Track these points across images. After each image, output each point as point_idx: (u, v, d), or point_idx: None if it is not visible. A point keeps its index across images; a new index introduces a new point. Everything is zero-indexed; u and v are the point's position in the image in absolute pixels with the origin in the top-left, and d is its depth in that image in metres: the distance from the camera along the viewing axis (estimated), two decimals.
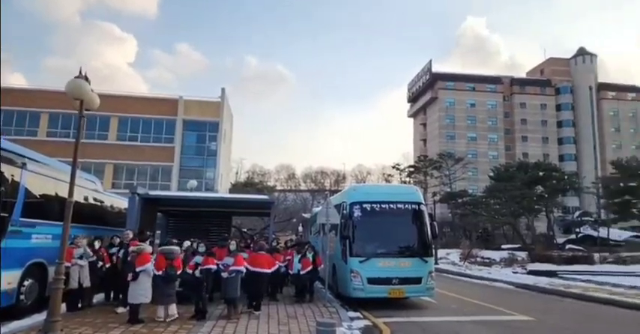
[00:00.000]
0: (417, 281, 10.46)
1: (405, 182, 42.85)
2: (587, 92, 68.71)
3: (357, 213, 10.85)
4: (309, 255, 10.74)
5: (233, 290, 8.48)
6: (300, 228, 22.28)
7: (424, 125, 73.44)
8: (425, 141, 71.78)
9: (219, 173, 32.09)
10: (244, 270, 8.84)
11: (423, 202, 11.53)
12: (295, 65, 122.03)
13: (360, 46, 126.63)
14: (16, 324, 7.27)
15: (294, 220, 27.99)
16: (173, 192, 14.60)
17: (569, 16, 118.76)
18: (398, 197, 11.26)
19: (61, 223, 9.45)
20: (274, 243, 12.40)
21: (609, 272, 19.65)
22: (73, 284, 8.38)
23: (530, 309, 10.53)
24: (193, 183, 20.02)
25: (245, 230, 18.24)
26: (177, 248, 8.76)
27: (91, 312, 8.26)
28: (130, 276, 7.72)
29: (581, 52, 70.48)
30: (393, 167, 45.88)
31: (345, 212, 10.87)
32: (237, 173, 48.36)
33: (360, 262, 10.32)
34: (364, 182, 78.55)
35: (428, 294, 10.78)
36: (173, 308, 8.13)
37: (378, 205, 10.95)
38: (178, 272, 8.19)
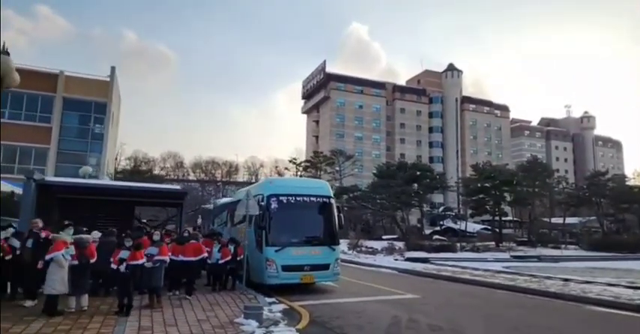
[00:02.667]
0: (326, 267, 11.56)
1: (300, 175, 44.47)
2: (454, 103, 79.19)
3: (273, 204, 11.48)
4: (231, 246, 11.09)
5: (157, 280, 8.52)
6: (200, 220, 21.95)
7: (317, 122, 76.61)
8: (317, 137, 74.97)
9: (107, 159, 29.46)
10: (168, 260, 8.90)
11: (332, 196, 12.70)
12: (182, 49, 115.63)
13: (255, 39, 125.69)
14: None
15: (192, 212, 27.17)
16: (75, 179, 13.32)
17: (443, 33, 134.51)
18: (311, 190, 12.24)
19: None
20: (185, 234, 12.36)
21: (468, 259, 23.73)
22: None
23: (416, 289, 12.45)
24: (87, 169, 18.12)
25: (144, 220, 17.44)
26: (88, 236, 8.45)
27: None
28: (40, 264, 7.30)
29: (451, 68, 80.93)
30: (290, 161, 47.25)
31: (262, 204, 11.42)
32: (116, 159, 44.38)
33: (276, 251, 11.02)
34: (257, 174, 78.84)
35: (334, 279, 11.97)
36: (85, 299, 7.88)
37: (293, 197, 11.78)
38: (91, 261, 7.94)
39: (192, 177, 73.50)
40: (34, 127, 26.45)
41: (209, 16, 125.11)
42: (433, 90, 79.00)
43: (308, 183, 14.30)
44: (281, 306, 9.31)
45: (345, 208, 39.96)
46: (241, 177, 76.87)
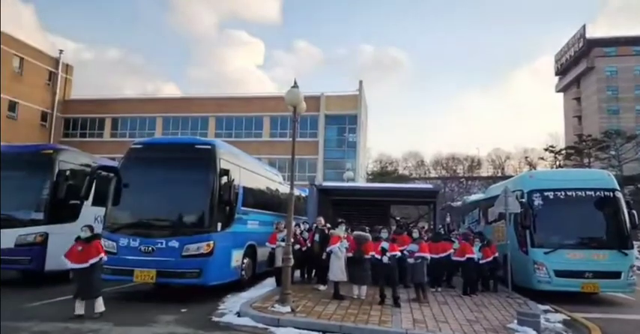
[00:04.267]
0: (616, 275, 9.61)
1: (561, 166, 38.36)
2: None
3: (537, 201, 10.41)
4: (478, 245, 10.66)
5: (421, 276, 8.93)
6: (448, 219, 21.83)
7: (578, 100, 64.45)
8: (579, 118, 63.06)
9: (359, 163, 33.23)
10: (429, 257, 9.21)
11: (618, 188, 10.43)
12: (409, 49, 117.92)
13: (479, 23, 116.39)
14: (246, 295, 8.82)
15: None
16: (343, 183, 15.80)
17: None
18: (585, 183, 10.44)
19: (264, 211, 11.14)
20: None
21: None
22: (278, 263, 9.78)
23: None
24: (350, 173, 21.18)
25: (398, 218, 18.71)
26: (367, 235, 9.54)
27: (296, 288, 9.48)
28: (324, 255, 8.71)
29: None
30: (546, 149, 41.16)
31: (522, 200, 10.43)
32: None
33: (545, 253, 9.86)
34: (503, 168, 72.57)
35: (628, 290, 9.78)
36: (364, 290, 8.90)
37: (562, 192, 10.34)
38: (367, 256, 8.91)
39: (433, 174, 73.88)
40: (306, 142, 32.32)
41: (421, 7, 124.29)
42: None
43: (580, 174, 12.19)
44: (559, 316, 8.22)
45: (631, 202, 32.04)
46: (485, 171, 72.23)
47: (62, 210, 9.83)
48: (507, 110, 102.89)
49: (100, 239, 7.24)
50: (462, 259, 10.16)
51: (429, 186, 14.50)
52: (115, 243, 8.15)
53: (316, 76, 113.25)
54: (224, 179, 8.45)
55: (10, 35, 31.67)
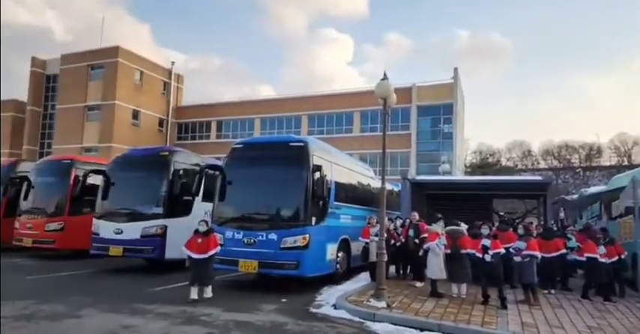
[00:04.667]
0: None
1: None
2: None
3: None
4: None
5: (530, 275, 8.19)
6: (562, 214, 19.70)
7: None
8: None
9: (456, 155, 31.60)
10: (539, 256, 8.42)
11: None
12: (511, 33, 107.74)
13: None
14: (342, 288, 8.96)
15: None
16: (437, 176, 15.23)
17: None
18: None
19: (356, 206, 11.20)
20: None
21: None
22: (372, 258, 9.74)
23: None
24: (446, 166, 20.32)
25: (502, 213, 17.39)
26: (460, 228, 9.07)
27: (391, 284, 9.36)
28: (420, 252, 8.41)
29: None
30: None
31: None
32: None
33: None
34: (629, 156, 63.27)
35: None
36: (464, 288, 8.44)
37: None
38: (463, 251, 8.44)
39: (542, 165, 67.07)
40: (398, 136, 31.67)
41: None
42: None
43: None
44: None
45: None
46: (607, 160, 63.48)
47: (178, 206, 10.97)
48: (632, 90, 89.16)
49: (214, 233, 7.97)
50: (582, 258, 9.08)
51: (538, 177, 13.23)
52: (222, 236, 8.85)
53: (407, 67, 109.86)
54: (317, 174, 8.67)
55: (132, 51, 36.26)
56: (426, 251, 8.62)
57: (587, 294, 8.76)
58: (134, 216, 10.81)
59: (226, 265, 8.73)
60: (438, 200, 14.33)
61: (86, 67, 35.99)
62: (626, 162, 58.95)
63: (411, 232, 9.80)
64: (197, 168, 10.96)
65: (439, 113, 31.96)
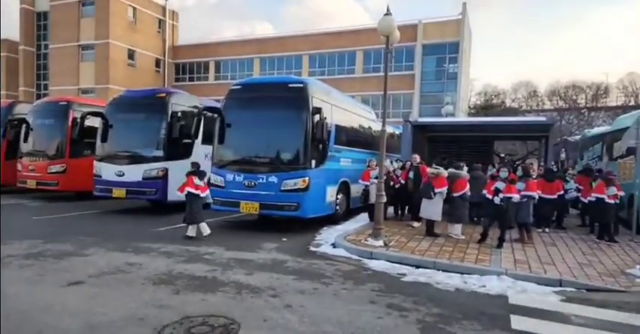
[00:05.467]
0: None
1: None
2: None
3: None
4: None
5: (526, 215, 8.35)
6: (563, 155, 19.67)
7: None
8: None
9: (461, 97, 30.90)
10: (537, 196, 8.50)
11: None
12: None
13: None
14: (341, 228, 9.20)
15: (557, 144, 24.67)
16: (440, 118, 14.98)
17: None
18: None
19: (357, 149, 11.15)
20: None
21: None
22: (372, 199, 9.88)
23: None
24: (449, 108, 19.91)
25: (502, 155, 17.38)
26: (460, 171, 9.05)
27: (389, 224, 9.59)
28: (432, 195, 8.40)
29: None
30: None
31: None
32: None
33: None
34: (637, 96, 61.86)
35: None
36: (458, 228, 8.60)
37: None
38: (456, 194, 8.45)
39: (547, 106, 65.78)
40: (401, 76, 30.71)
41: None
42: None
43: None
44: None
45: None
46: (614, 100, 62.14)
47: (178, 148, 10.94)
48: None
49: (194, 175, 8.09)
50: (585, 200, 9.07)
51: (541, 118, 12.98)
52: (222, 178, 8.94)
53: (414, 2, 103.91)
54: (316, 117, 8.51)
55: None
56: (435, 194, 8.53)
57: (603, 235, 8.63)
58: (135, 159, 10.85)
59: (228, 207, 8.89)
60: (440, 142, 14.24)
61: (77, 2, 34.15)
62: (632, 103, 57.66)
63: (410, 174, 9.83)
64: (195, 111, 10.78)
65: (445, 52, 30.66)
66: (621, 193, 9.19)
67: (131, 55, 35.07)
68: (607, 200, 8.49)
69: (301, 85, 8.73)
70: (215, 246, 7.33)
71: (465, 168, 9.05)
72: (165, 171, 10.65)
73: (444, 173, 8.45)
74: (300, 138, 8.49)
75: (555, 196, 9.64)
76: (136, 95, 12.11)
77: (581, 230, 9.99)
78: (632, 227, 8.88)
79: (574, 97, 65.86)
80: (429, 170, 8.62)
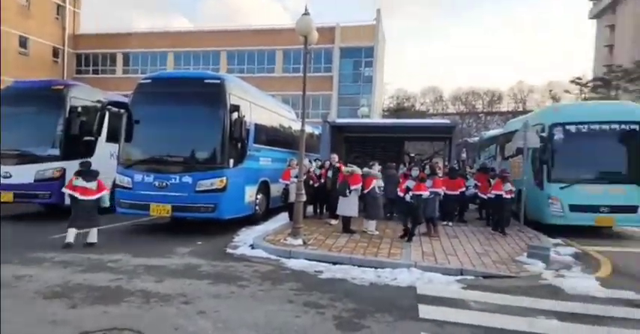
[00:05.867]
0: (632, 210, 9.54)
1: (586, 99, 36.62)
2: None
3: (558, 135, 10.05)
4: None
5: (432, 210, 8.95)
6: (464, 155, 21.51)
7: (611, 27, 59.85)
8: (611, 47, 59.00)
9: (375, 99, 32.36)
10: (442, 193, 9.17)
11: None
12: None
13: None
14: (260, 228, 9.08)
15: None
16: (356, 120, 15.49)
17: None
18: (612, 116, 9.99)
19: (277, 148, 11.09)
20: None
21: None
22: (292, 198, 9.91)
23: None
24: (365, 109, 20.74)
25: (412, 154, 18.53)
26: (372, 171, 9.45)
27: (309, 223, 9.68)
28: (347, 193, 8.64)
29: None
30: (572, 81, 39.05)
31: (543, 134, 10.06)
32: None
33: (561, 188, 9.76)
34: (524, 102, 69.97)
35: None
36: (372, 224, 8.97)
37: (586, 126, 9.95)
38: (366, 190, 8.81)
39: (451, 110, 71.93)
40: (321, 78, 31.32)
41: None
42: None
43: (608, 107, 11.54)
44: (570, 249, 8.27)
45: None
46: (505, 106, 69.90)
47: (78, 146, 9.93)
48: (534, 40, 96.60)
49: (77, 176, 7.44)
50: (489, 196, 9.93)
51: (446, 121, 14.08)
52: (130, 179, 8.31)
53: (332, 5, 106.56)
54: (234, 115, 8.30)
55: None
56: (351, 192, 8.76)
57: (498, 227, 9.46)
58: (25, 158, 9.64)
59: (136, 210, 8.30)
60: (355, 143, 14.74)
61: None
62: (521, 108, 64.95)
63: (329, 174, 10.02)
64: (99, 105, 9.90)
65: (361, 55, 31.93)
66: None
67: (23, 42, 31.17)
68: (505, 196, 9.43)
69: (218, 81, 8.44)
70: (121, 252, 6.78)
71: (378, 167, 9.46)
72: (63, 171, 9.61)
73: (358, 171, 8.76)
74: (216, 137, 8.19)
75: (458, 192, 10.53)
76: (28, 86, 10.76)
77: (480, 223, 11.01)
78: (521, 219, 9.97)
79: (473, 103, 72.77)
80: (344, 169, 8.86)
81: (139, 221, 9.60)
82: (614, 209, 9.48)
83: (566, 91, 43.40)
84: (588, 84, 38.33)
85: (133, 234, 8.56)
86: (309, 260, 6.54)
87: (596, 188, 9.63)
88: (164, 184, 8.10)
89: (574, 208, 9.63)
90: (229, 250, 7.26)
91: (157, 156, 8.42)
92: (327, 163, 10.53)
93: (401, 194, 8.23)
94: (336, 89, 32.23)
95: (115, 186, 8.76)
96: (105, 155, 10.27)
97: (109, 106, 9.14)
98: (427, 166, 10.19)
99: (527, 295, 5.30)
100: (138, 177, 8.23)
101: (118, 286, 5.08)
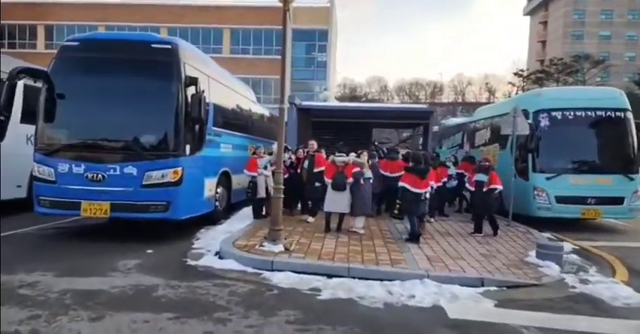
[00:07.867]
0: (618, 201, 9.20)
1: (527, 90, 38.14)
2: None
3: (543, 122, 9.53)
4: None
5: (423, 206, 7.90)
6: (421, 141, 21.08)
7: (544, 24, 63.36)
8: (544, 42, 62.54)
9: (330, 85, 31.14)
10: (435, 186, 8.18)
11: (629, 108, 9.57)
12: None
13: None
14: (223, 228, 7.54)
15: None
16: (326, 103, 14.14)
17: None
18: (596, 102, 9.58)
19: (237, 133, 9.49)
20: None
21: None
22: (262, 192, 8.43)
23: None
24: (327, 93, 19.46)
25: (377, 143, 17.59)
26: (348, 158, 8.21)
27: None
28: (346, 186, 7.40)
29: None
30: (516, 74, 40.54)
31: (528, 122, 9.39)
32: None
33: (547, 179, 9.22)
34: (464, 93, 72.83)
35: (630, 216, 9.45)
36: (360, 221, 7.79)
37: (571, 113, 9.48)
38: (348, 180, 7.66)
39: (396, 100, 73.25)
40: (272, 60, 29.39)
41: None
42: None
43: (592, 92, 11.17)
44: (567, 246, 7.60)
45: None
46: (446, 97, 72.45)
47: None
48: (473, 35, 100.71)
49: None
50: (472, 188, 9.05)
51: (423, 106, 13.17)
52: (52, 169, 6.37)
53: None
54: (190, 89, 6.62)
55: None
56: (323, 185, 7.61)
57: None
58: None
59: (62, 209, 6.40)
60: (324, 128, 13.43)
61: None
62: (460, 100, 67.28)
63: (305, 164, 8.59)
64: (6, 75, 7.64)
65: (314, 39, 30.41)
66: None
67: None
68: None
69: (169, 46, 6.66)
70: (40, 270, 4.96)
71: (366, 156, 8.23)
72: None
73: (360, 161, 7.50)
74: (169, 117, 6.45)
75: (441, 183, 9.56)
76: None
77: (462, 216, 10.22)
78: (509, 212, 9.24)
79: (417, 93, 74.53)
80: (337, 159, 7.45)
81: (62, 222, 7.63)
82: (601, 201, 9.12)
83: (510, 83, 45.12)
84: (530, 77, 39.95)
85: (55, 241, 6.64)
86: (298, 273, 5.17)
87: (583, 178, 9.21)
88: (99, 177, 6.26)
89: (561, 200, 9.15)
90: (190, 261, 5.66)
91: (90, 140, 6.52)
92: (300, 151, 9.09)
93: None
94: (289, 73, 30.51)
95: (32, 178, 6.76)
96: (20, 138, 8.16)
97: (21, 74, 6.97)
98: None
99: (572, 312, 4.42)
100: (63, 167, 6.31)
101: (35, 331, 3.39)
